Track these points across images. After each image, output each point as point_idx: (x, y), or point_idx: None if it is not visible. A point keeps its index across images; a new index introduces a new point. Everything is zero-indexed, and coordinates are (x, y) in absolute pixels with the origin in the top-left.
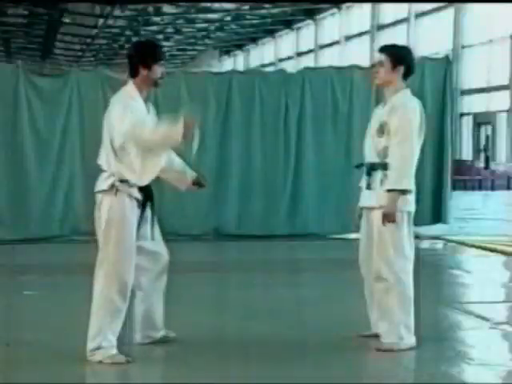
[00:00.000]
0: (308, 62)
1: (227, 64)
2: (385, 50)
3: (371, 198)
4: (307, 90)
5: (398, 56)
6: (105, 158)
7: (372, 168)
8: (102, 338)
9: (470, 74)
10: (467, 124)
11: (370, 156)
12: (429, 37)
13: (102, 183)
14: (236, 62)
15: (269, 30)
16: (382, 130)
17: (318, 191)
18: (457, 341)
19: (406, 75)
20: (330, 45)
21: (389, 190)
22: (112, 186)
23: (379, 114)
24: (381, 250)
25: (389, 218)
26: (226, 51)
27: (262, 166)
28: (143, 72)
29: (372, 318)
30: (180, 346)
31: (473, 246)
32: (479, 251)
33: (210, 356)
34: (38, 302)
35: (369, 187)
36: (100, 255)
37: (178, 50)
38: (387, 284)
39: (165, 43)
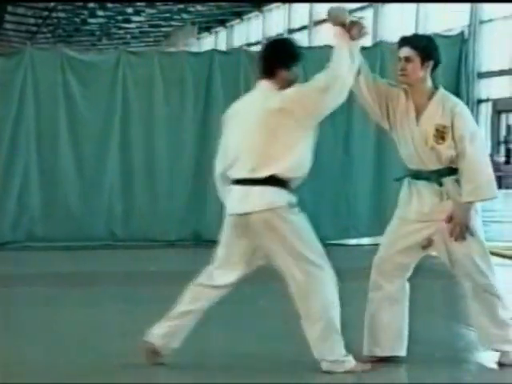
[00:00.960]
0: (302, 39)
1: (207, 43)
2: (410, 42)
3: (444, 210)
4: (301, 73)
5: (428, 50)
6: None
7: (440, 176)
8: None
9: (490, 53)
10: (486, 112)
11: (425, 165)
12: (441, 10)
13: None
14: (218, 41)
15: (256, 2)
16: (441, 135)
17: (313, 191)
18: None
19: (432, 71)
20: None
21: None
22: None
23: (430, 118)
24: (474, 263)
25: (465, 228)
26: (206, 28)
27: None
28: (282, 73)
29: (382, 338)
30: None
31: (492, 253)
32: (500, 259)
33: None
34: None
35: (442, 198)
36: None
37: (151, 26)
38: (493, 297)
39: (135, 18)
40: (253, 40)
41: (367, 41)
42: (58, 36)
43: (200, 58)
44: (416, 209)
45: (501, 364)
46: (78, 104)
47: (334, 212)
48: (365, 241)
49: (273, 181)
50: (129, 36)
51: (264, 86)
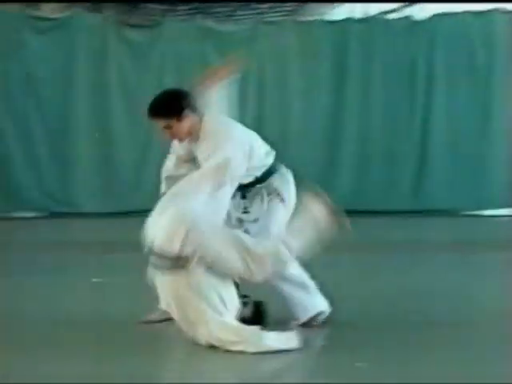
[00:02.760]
0: (438, 7)
1: (342, 11)
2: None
3: None
4: (438, 41)
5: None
6: None
7: None
8: None
9: None
10: None
11: None
12: None
13: None
14: (353, 9)
15: None
16: None
17: (449, 161)
18: None
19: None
20: None
21: None
22: None
23: None
24: None
25: None
26: None
27: (382, 130)
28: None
29: None
30: None
31: None
32: None
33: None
34: None
35: None
36: None
37: None
38: None
39: None
40: (389, 7)
41: None
42: (195, 8)
43: (336, 27)
44: None
45: None
46: None
47: (470, 182)
48: (502, 212)
49: None
50: (265, 6)
51: None
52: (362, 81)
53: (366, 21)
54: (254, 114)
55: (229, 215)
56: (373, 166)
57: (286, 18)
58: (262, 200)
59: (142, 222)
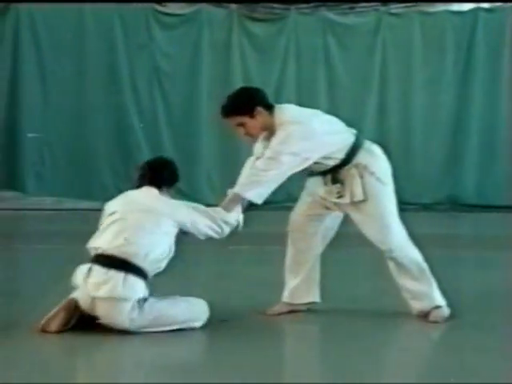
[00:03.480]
0: None
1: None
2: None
3: None
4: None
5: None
6: None
7: None
8: None
9: None
10: None
11: None
12: None
13: None
14: None
15: None
16: None
17: None
18: None
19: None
20: None
21: None
22: None
23: None
24: None
25: None
26: None
27: (509, 122)
28: None
29: None
30: None
31: None
32: None
33: None
34: None
35: None
36: None
37: None
38: None
39: None
40: None
41: None
42: (317, 1)
43: (462, 18)
44: None
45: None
46: (337, 68)
47: None
48: None
49: None
50: None
51: None
52: (488, 73)
53: (494, 11)
54: (377, 107)
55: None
56: (498, 159)
57: (410, 8)
58: (354, 181)
59: None
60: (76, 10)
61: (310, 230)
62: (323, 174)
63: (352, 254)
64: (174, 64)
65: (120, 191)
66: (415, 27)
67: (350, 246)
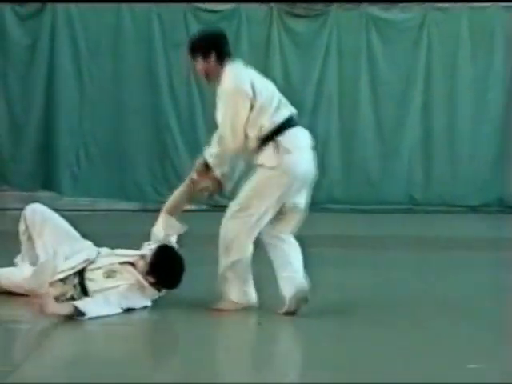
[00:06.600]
0: None
1: None
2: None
3: None
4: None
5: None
6: None
7: None
8: None
9: None
10: None
11: None
12: None
13: None
14: None
15: None
16: None
17: None
18: None
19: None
20: None
21: None
22: None
23: None
24: None
25: None
26: None
27: None
28: None
29: None
30: None
31: None
32: None
33: None
34: None
35: None
36: None
37: None
38: None
39: None
40: None
41: None
42: None
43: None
44: None
45: None
46: (380, 64)
47: None
48: None
49: None
50: None
51: None
52: None
53: None
54: (421, 104)
55: None
56: None
57: (457, 3)
58: None
59: None
60: (113, 8)
61: None
62: None
63: None
64: None
65: (156, 192)
66: (463, 23)
67: None
